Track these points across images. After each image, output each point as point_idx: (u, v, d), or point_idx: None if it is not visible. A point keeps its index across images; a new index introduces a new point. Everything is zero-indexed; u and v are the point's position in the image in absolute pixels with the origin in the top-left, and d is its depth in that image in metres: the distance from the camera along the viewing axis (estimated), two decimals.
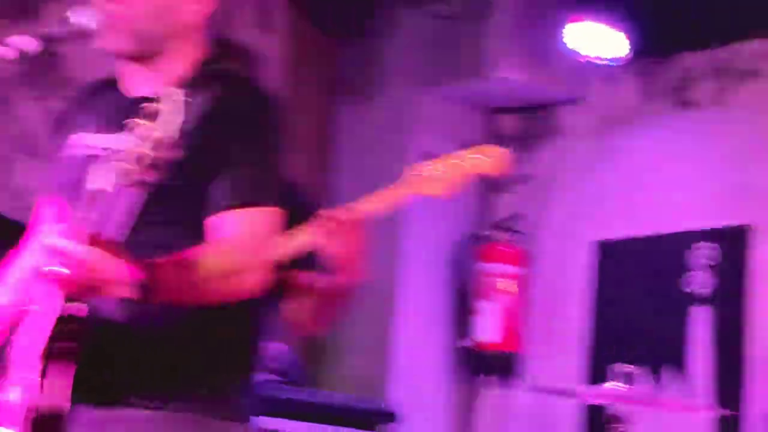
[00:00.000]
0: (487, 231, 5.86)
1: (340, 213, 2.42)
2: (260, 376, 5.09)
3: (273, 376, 5.09)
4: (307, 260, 2.54)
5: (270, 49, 5.99)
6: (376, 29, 6.07)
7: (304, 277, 2.63)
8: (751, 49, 5.32)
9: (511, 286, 5.70)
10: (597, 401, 4.57)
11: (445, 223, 5.87)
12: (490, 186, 5.92)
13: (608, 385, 4.32)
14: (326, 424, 5.01)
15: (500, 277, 5.68)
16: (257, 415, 4.73)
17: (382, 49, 6.04)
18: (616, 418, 4.34)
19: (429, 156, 2.52)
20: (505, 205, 6.05)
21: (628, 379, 4.31)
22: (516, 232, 5.82)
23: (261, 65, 5.70)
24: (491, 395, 5.78)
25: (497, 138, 5.99)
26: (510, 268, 5.71)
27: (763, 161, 5.12)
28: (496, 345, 5.65)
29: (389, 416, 5.13)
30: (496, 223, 5.89)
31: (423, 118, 5.89)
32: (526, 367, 5.70)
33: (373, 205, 2.46)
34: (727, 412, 4.90)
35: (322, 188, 5.96)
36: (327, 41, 6.22)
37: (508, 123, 6.12)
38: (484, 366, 5.72)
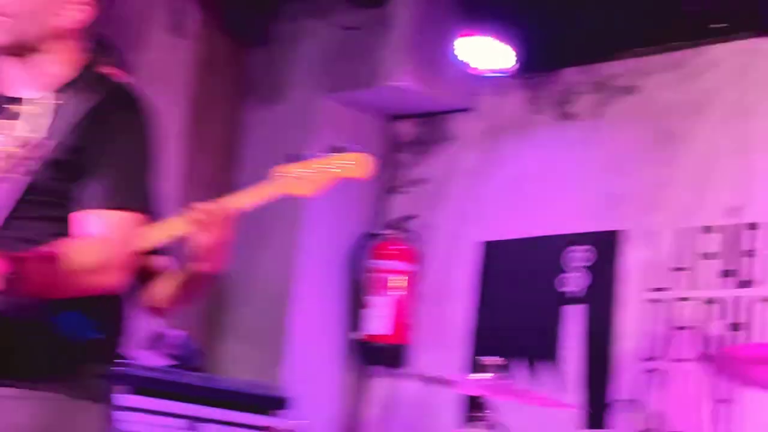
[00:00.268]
0: (380, 230, 6.15)
1: (210, 206, 2.55)
2: (159, 361, 5.32)
3: (171, 361, 5.29)
4: (165, 246, 2.66)
5: (181, 52, 6.17)
6: (282, 37, 6.29)
7: (162, 262, 2.75)
8: (627, 66, 5.63)
9: (402, 282, 5.98)
10: (471, 391, 4.87)
11: (342, 222, 6.14)
12: (385, 188, 6.22)
13: (478, 376, 4.65)
14: (222, 409, 5.16)
15: (391, 274, 5.95)
16: (154, 398, 4.96)
17: (287, 56, 6.25)
18: (486, 407, 4.66)
19: (297, 158, 2.68)
20: (398, 206, 6.31)
21: (498, 370, 4.63)
22: (408, 231, 6.11)
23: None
24: (380, 384, 6.04)
25: (393, 143, 6.30)
26: (401, 266, 5.99)
27: (634, 171, 5.44)
28: (386, 337, 5.93)
29: (282, 402, 5.34)
30: (390, 223, 6.18)
31: (324, 123, 6.12)
32: (413, 358, 5.96)
33: (241, 200, 2.61)
34: (595, 405, 5.26)
35: (228, 187, 6.15)
36: (236, 47, 6.40)
37: (404, 129, 6.38)
38: (374, 357, 5.98)
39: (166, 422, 4.95)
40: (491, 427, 4.72)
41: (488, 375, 4.60)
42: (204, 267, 2.67)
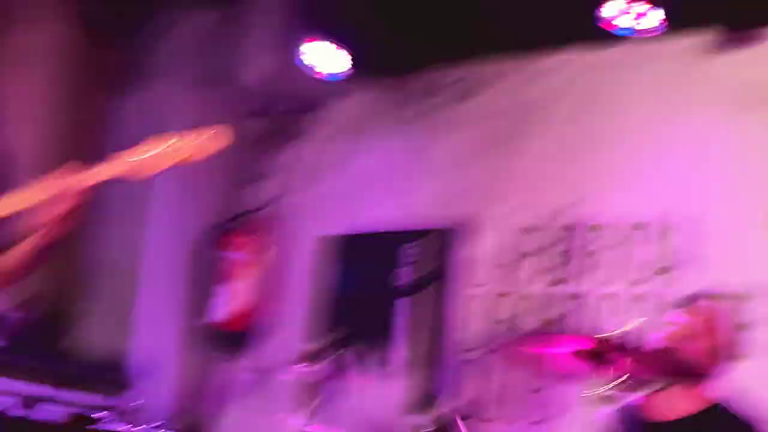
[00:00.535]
0: (229, 221, 6.39)
1: (61, 178, 2.63)
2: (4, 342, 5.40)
3: (9, 341, 5.40)
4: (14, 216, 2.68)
5: (48, 44, 6.30)
6: (147, 32, 6.51)
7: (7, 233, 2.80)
8: (464, 72, 5.94)
9: (246, 272, 6.24)
10: (304, 377, 5.11)
11: (193, 210, 6.38)
12: (235, 180, 6.46)
13: (310, 363, 4.91)
14: (67, 388, 5.29)
15: (237, 263, 6.21)
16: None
17: (151, 51, 6.48)
18: (317, 392, 4.93)
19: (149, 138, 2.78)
20: (246, 198, 6.55)
21: (327, 358, 4.90)
22: (254, 223, 6.37)
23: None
24: (222, 369, 6.26)
25: (245, 139, 6.51)
26: (246, 256, 6.25)
27: (466, 173, 5.78)
28: (229, 324, 6.18)
29: (123, 382, 5.53)
30: (237, 215, 6.43)
31: (182, 116, 6.23)
32: (254, 345, 6.20)
33: (91, 175, 2.67)
34: (421, 391, 5.56)
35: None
36: (99, 38, 6.49)
37: (257, 126, 6.60)
38: (217, 342, 6.22)
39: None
40: (320, 411, 4.99)
41: (319, 362, 4.87)
42: (47, 239, 2.71)
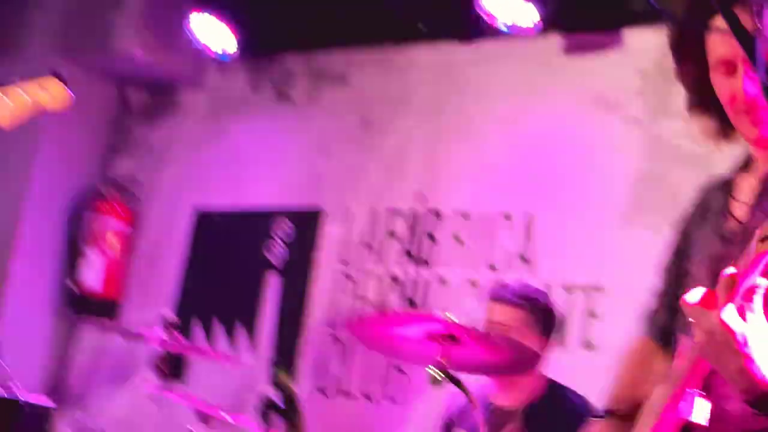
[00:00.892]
0: (103, 188, 6.41)
1: None
2: None
3: None
4: None
5: None
6: None
7: None
8: (340, 57, 6.10)
9: (118, 240, 6.30)
10: (164, 347, 5.17)
11: (68, 176, 6.40)
12: (111, 149, 6.51)
13: (168, 332, 5.01)
14: None
15: (109, 231, 6.25)
16: None
17: (25, 14, 6.40)
18: (176, 362, 5.05)
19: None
20: (122, 167, 6.61)
21: (174, 328, 5.02)
22: (129, 192, 6.42)
23: None
24: (89, 335, 6.32)
25: (123, 108, 6.58)
26: (118, 224, 6.30)
27: (337, 155, 5.94)
28: (99, 291, 6.23)
29: None
30: (112, 182, 6.47)
31: None
32: (121, 312, 6.30)
33: None
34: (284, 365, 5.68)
35: None
36: None
37: (135, 96, 6.69)
38: (86, 309, 6.26)
39: None
40: (181, 379, 5.12)
41: (183, 332, 5.02)
42: None
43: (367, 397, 5.50)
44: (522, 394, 3.78)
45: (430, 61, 5.84)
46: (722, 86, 2.20)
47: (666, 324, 2.34)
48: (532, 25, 5.20)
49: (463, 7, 5.31)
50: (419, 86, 5.85)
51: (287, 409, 4.68)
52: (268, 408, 4.71)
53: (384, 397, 5.47)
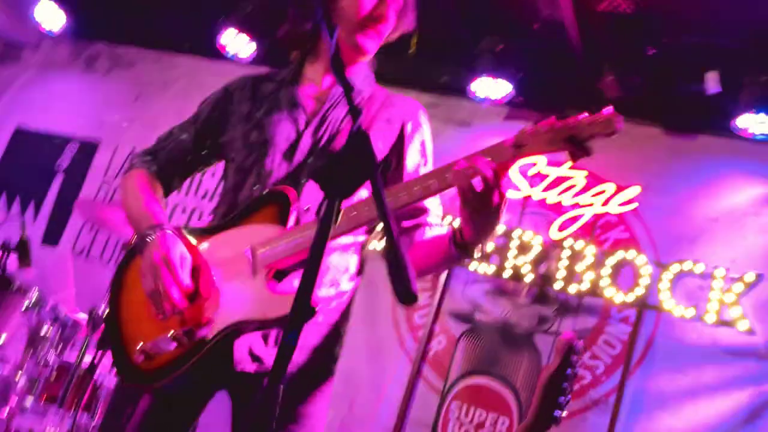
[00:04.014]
0: None
1: None
2: None
3: None
4: None
5: None
6: None
7: None
8: (132, 50, 9.11)
9: None
10: None
11: None
12: None
13: None
14: None
15: None
16: None
17: None
18: None
19: None
20: None
21: None
22: None
23: None
24: None
25: None
26: None
27: (113, 109, 8.94)
28: None
29: None
30: None
31: None
32: None
33: None
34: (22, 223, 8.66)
35: None
36: None
37: None
38: None
39: None
40: None
41: None
42: None
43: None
44: None
45: (182, 65, 8.88)
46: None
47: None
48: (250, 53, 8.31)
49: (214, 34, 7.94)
50: (180, 77, 8.79)
51: (20, 249, 5.67)
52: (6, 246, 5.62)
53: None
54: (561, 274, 7.09)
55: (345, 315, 2.92)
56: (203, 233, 2.88)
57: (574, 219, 7.27)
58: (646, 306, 6.83)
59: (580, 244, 7.15)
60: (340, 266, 2.90)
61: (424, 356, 6.96)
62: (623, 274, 6.99)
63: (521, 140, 2.36)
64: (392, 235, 1.70)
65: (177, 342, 2.67)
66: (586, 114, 2.28)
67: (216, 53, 8.18)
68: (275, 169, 2.86)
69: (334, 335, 2.89)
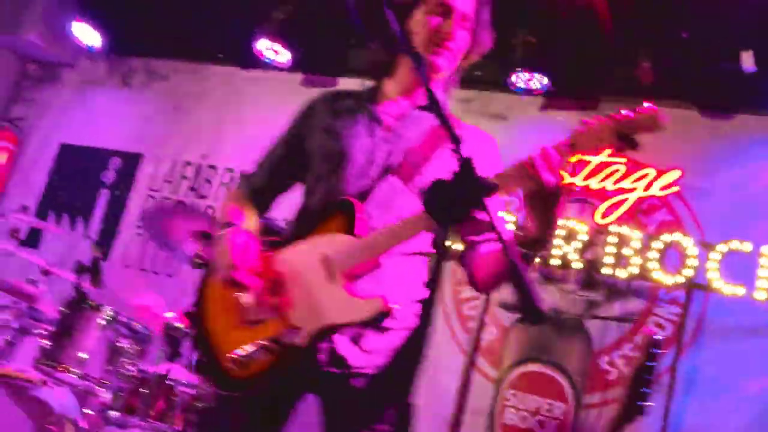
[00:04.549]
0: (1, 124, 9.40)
1: None
2: None
3: None
4: None
5: None
6: None
7: None
8: (165, 63, 9.24)
9: (5, 154, 9.32)
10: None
11: None
12: (9, 100, 9.58)
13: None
14: None
15: None
16: None
17: None
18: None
19: None
20: (15, 113, 9.59)
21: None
22: (17, 127, 9.44)
23: None
24: None
25: (23, 76, 9.65)
26: (7, 144, 9.31)
27: (153, 123, 9.09)
28: None
29: None
30: (7, 120, 9.49)
31: None
32: (1, 202, 9.27)
33: None
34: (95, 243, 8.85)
35: None
36: None
37: (31, 68, 9.74)
38: None
39: None
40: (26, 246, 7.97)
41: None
42: None
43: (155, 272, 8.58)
44: None
45: (220, 77, 8.99)
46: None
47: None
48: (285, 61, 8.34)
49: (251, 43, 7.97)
50: (216, 87, 8.95)
51: (93, 269, 5.72)
52: (80, 267, 5.71)
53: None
54: (608, 259, 7.18)
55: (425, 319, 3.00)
56: (277, 244, 3.01)
57: (618, 204, 7.35)
58: (695, 286, 6.91)
59: (625, 229, 7.23)
60: (415, 272, 3.00)
61: (476, 347, 7.08)
62: (669, 256, 7.06)
63: (575, 140, 2.53)
64: (515, 260, 1.81)
65: (267, 350, 2.80)
66: (628, 111, 2.47)
67: (250, 61, 8.38)
68: (349, 181, 2.97)
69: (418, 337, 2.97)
